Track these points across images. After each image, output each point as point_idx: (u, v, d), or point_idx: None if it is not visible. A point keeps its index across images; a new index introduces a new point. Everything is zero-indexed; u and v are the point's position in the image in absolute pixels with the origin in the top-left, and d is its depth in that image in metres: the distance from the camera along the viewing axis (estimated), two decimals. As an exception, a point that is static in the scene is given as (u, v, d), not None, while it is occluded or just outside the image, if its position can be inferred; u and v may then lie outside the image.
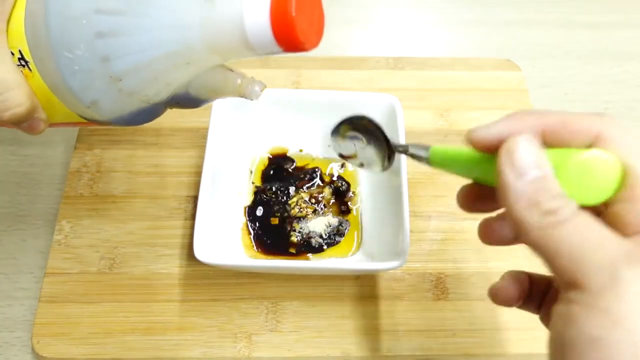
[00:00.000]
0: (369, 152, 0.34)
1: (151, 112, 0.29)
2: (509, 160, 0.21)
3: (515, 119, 0.23)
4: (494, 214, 0.28)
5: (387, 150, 0.32)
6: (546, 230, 0.20)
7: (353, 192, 0.45)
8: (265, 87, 0.29)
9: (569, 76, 0.57)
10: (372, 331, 0.40)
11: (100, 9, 0.24)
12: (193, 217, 0.41)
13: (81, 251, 0.43)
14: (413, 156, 0.29)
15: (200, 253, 0.36)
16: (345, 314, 0.41)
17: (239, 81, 0.28)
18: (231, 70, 0.29)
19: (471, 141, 0.24)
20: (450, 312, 0.41)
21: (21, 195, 0.47)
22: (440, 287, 0.42)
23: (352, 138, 0.34)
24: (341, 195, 0.45)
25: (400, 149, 0.31)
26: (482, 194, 0.27)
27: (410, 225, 0.38)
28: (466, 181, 0.28)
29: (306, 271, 0.42)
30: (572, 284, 0.20)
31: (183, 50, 0.25)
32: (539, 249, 0.22)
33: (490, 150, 0.23)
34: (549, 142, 0.22)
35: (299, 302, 0.41)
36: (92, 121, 0.29)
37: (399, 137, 0.42)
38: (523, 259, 0.43)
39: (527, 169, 0.21)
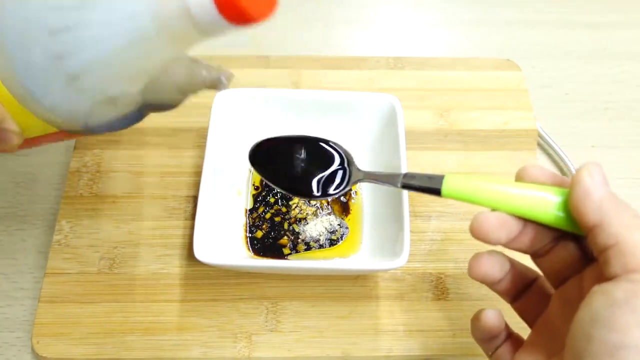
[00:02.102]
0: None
1: (126, 117, 0.28)
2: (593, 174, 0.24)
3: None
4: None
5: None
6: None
7: (356, 192, 0.45)
8: (233, 76, 0.28)
9: (569, 76, 0.57)
10: (372, 331, 0.40)
11: (53, 6, 0.24)
12: (193, 217, 0.41)
13: (81, 251, 0.43)
14: (421, 189, 0.30)
15: (200, 253, 0.36)
16: (345, 314, 0.41)
17: (204, 73, 0.27)
18: (196, 62, 0.28)
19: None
20: (450, 312, 0.41)
21: (21, 195, 0.47)
22: (440, 287, 0.42)
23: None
24: (342, 196, 0.45)
25: (402, 181, 0.31)
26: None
27: (410, 225, 0.38)
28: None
29: (306, 271, 0.42)
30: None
31: (137, 41, 0.24)
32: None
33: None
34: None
35: (299, 302, 0.41)
36: (69, 132, 0.28)
37: (399, 138, 0.42)
38: (524, 259, 0.43)
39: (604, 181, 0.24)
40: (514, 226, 0.27)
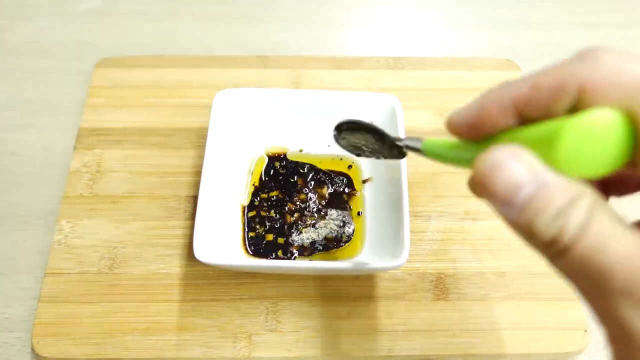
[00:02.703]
0: (372, 145, 0.34)
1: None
2: (485, 191, 0.17)
3: (482, 99, 0.20)
4: None
5: (389, 145, 0.33)
6: (557, 262, 0.17)
7: (358, 191, 0.45)
8: None
9: (569, 76, 0.57)
10: (372, 331, 0.40)
11: None
12: (193, 217, 0.41)
13: (81, 251, 0.43)
14: (409, 148, 0.30)
15: (200, 253, 0.36)
16: (345, 314, 0.41)
17: None
18: None
19: (448, 130, 0.22)
20: (450, 312, 0.41)
21: (21, 195, 0.47)
22: (440, 287, 0.42)
23: (353, 136, 0.35)
24: (342, 196, 0.45)
25: (399, 142, 0.32)
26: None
27: (410, 225, 0.38)
28: None
29: (306, 271, 0.42)
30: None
31: None
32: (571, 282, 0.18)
33: (471, 137, 0.21)
34: (525, 114, 0.19)
35: (299, 302, 0.41)
36: None
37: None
38: (524, 259, 0.43)
39: (510, 195, 0.17)
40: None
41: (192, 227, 0.37)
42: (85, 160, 0.47)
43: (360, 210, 0.44)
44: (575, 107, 0.18)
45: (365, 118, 0.44)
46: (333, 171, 0.46)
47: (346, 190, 0.45)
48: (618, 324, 0.16)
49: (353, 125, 0.34)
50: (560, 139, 0.16)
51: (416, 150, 0.29)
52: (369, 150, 0.34)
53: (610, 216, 0.16)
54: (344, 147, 0.35)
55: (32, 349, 0.39)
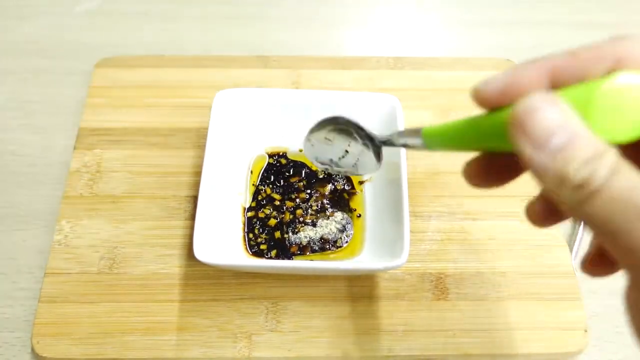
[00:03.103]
0: (355, 151, 0.33)
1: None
2: (522, 130, 0.18)
3: (519, 67, 0.20)
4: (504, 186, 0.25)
5: (372, 146, 0.31)
6: (584, 206, 0.17)
7: (359, 191, 0.45)
8: None
9: (569, 76, 0.57)
10: (372, 331, 0.40)
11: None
12: (193, 217, 0.41)
13: (81, 251, 0.43)
14: (404, 146, 0.27)
15: (200, 253, 0.36)
16: (345, 314, 0.41)
17: None
18: None
19: (476, 100, 0.21)
20: (450, 312, 0.41)
21: (21, 195, 0.47)
22: (440, 287, 0.42)
23: (330, 142, 0.34)
24: (343, 196, 0.45)
25: (387, 141, 0.29)
26: (493, 165, 0.24)
27: (410, 225, 0.38)
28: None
29: (306, 271, 0.42)
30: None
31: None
32: (591, 227, 0.18)
33: (498, 103, 0.20)
34: (561, 82, 0.19)
35: (299, 302, 0.41)
36: None
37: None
38: (524, 259, 0.43)
39: (545, 137, 0.17)
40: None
41: (192, 227, 0.37)
42: (85, 160, 0.47)
43: (360, 213, 0.44)
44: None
45: (366, 118, 0.44)
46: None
47: (346, 189, 0.45)
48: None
49: (335, 125, 0.32)
50: (594, 98, 0.17)
51: (412, 146, 0.27)
52: (338, 162, 0.33)
53: (633, 169, 0.17)
54: (309, 156, 0.35)
55: (32, 349, 0.39)
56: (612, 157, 0.17)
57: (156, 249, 0.43)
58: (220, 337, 0.39)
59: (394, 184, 0.41)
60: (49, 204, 0.46)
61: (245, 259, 0.41)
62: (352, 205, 0.45)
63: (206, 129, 0.42)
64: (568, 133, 0.17)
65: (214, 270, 0.42)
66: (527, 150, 0.18)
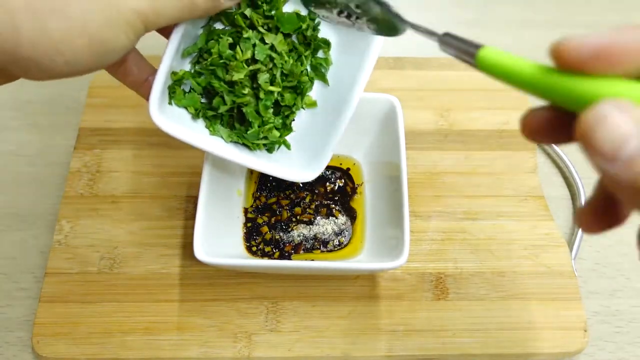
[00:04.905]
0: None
1: None
2: (591, 144, 0.17)
3: (620, 31, 0.18)
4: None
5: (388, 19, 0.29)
6: None
7: (359, 192, 0.45)
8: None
9: (569, 76, 0.57)
10: (372, 331, 0.40)
11: None
12: (193, 217, 0.41)
13: (81, 251, 0.43)
14: (445, 51, 0.25)
15: (200, 253, 0.36)
16: (345, 314, 0.41)
17: None
18: None
19: (559, 53, 0.19)
20: (450, 312, 0.41)
21: (21, 195, 0.47)
22: (440, 287, 0.42)
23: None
24: (344, 196, 0.45)
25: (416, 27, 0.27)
26: (557, 121, 0.21)
27: (410, 225, 0.38)
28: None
29: (306, 271, 0.42)
30: None
31: None
32: None
33: (585, 69, 0.18)
34: None
35: (299, 302, 0.41)
36: None
37: (399, 138, 0.41)
38: (524, 259, 0.43)
39: (616, 148, 0.16)
40: None
41: (192, 227, 0.37)
42: (85, 160, 0.47)
43: (361, 211, 0.44)
44: None
45: (365, 118, 0.44)
46: (333, 171, 0.46)
47: (346, 189, 0.45)
48: None
49: None
50: None
51: (462, 57, 0.24)
52: (348, 12, 0.31)
53: None
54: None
55: (32, 349, 0.39)
56: None
57: (156, 249, 0.43)
58: (220, 337, 0.39)
59: (394, 183, 0.41)
60: (49, 204, 0.46)
61: (245, 259, 0.41)
62: (352, 205, 0.45)
63: (206, 129, 0.42)
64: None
65: (214, 270, 0.42)
66: (599, 163, 0.17)
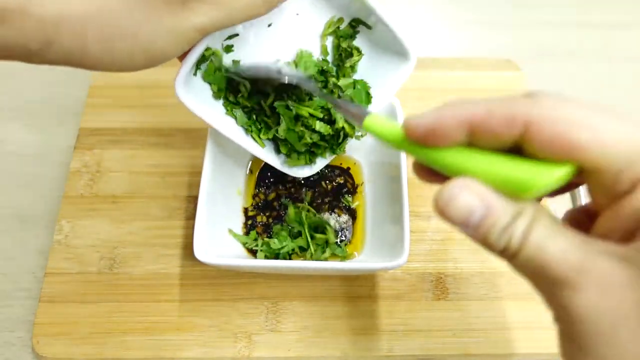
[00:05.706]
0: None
1: None
2: (446, 217, 0.22)
3: (440, 110, 0.23)
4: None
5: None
6: (511, 263, 0.21)
7: (359, 192, 0.45)
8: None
9: (569, 76, 0.57)
10: (372, 331, 0.40)
11: None
12: (193, 217, 0.41)
13: (81, 251, 0.43)
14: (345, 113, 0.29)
15: (200, 253, 0.36)
16: (345, 314, 0.41)
17: None
18: None
19: (406, 131, 0.24)
20: (450, 312, 0.41)
21: (21, 195, 0.47)
22: (440, 287, 0.42)
23: None
24: (344, 195, 0.45)
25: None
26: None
27: (410, 225, 0.38)
28: None
29: (306, 271, 0.42)
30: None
31: None
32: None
33: (424, 144, 0.23)
34: (477, 133, 0.22)
35: (299, 302, 0.41)
36: None
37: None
38: (523, 259, 0.43)
39: (464, 219, 0.21)
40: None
41: (192, 227, 0.37)
42: (85, 160, 0.47)
43: (362, 211, 0.44)
44: (521, 138, 0.21)
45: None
46: (333, 170, 0.46)
47: (346, 189, 0.45)
48: (560, 307, 0.20)
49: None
50: (531, 190, 0.20)
51: (351, 119, 0.28)
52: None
53: (548, 222, 0.20)
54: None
55: (32, 349, 0.39)
56: (526, 216, 0.20)
57: (156, 249, 0.43)
58: (220, 337, 0.39)
59: (394, 183, 0.41)
60: (49, 204, 0.46)
61: (245, 259, 0.41)
62: (353, 204, 0.45)
63: (206, 129, 0.42)
64: (483, 208, 0.21)
65: (214, 270, 0.42)
66: (459, 229, 0.21)
